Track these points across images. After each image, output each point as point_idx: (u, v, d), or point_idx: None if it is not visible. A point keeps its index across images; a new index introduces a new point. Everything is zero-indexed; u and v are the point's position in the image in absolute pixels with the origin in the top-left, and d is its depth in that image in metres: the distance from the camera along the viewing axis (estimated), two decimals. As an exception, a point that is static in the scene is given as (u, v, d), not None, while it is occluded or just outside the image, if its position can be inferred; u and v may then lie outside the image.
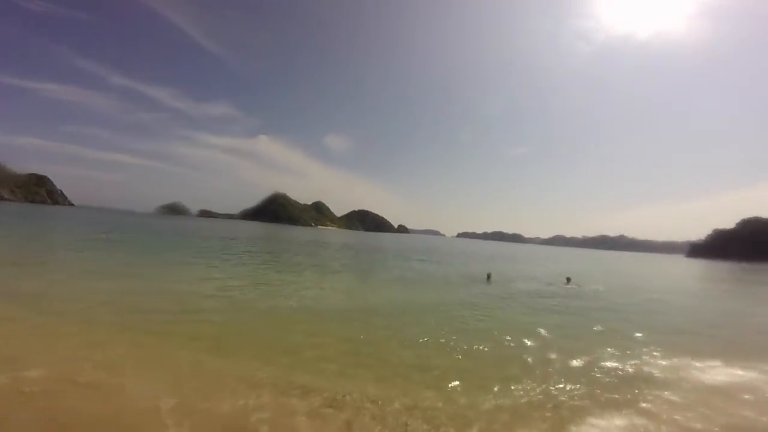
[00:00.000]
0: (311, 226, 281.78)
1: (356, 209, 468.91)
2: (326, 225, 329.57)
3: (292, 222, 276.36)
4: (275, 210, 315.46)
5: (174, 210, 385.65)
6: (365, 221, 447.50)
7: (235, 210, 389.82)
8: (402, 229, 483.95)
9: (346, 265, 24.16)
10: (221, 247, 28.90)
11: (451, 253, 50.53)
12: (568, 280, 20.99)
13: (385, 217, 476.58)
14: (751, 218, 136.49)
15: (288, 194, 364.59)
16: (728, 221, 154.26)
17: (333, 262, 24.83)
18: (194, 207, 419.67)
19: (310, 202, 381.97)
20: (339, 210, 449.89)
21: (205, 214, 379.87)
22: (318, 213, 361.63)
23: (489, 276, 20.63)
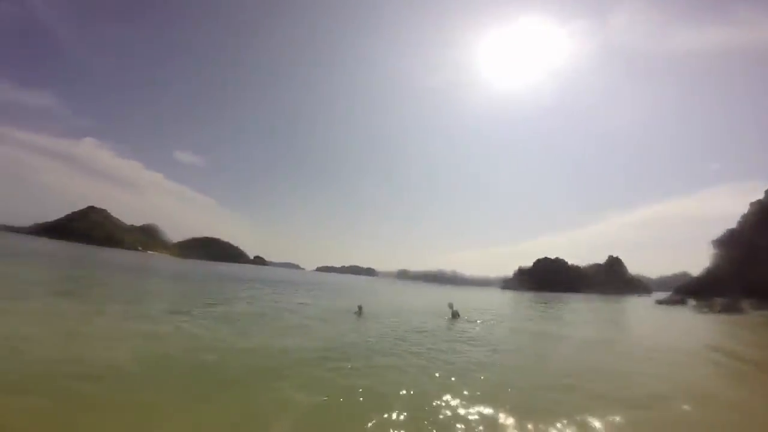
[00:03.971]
0: (137, 250, 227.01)
1: (200, 236, 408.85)
2: (158, 251, 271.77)
3: (109, 244, 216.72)
4: (87, 227, 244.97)
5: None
6: (211, 250, 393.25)
7: (26, 222, 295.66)
8: (259, 261, 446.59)
9: (160, 293, 15.65)
10: None
11: (313, 286, 44.83)
12: (451, 306, 18.42)
13: (241, 247, 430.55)
14: (541, 258, 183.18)
15: (112, 211, 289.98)
16: (528, 261, 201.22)
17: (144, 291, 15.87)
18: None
19: (140, 223, 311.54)
20: (181, 236, 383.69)
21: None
22: (148, 237, 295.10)
23: (360, 309, 17.09)
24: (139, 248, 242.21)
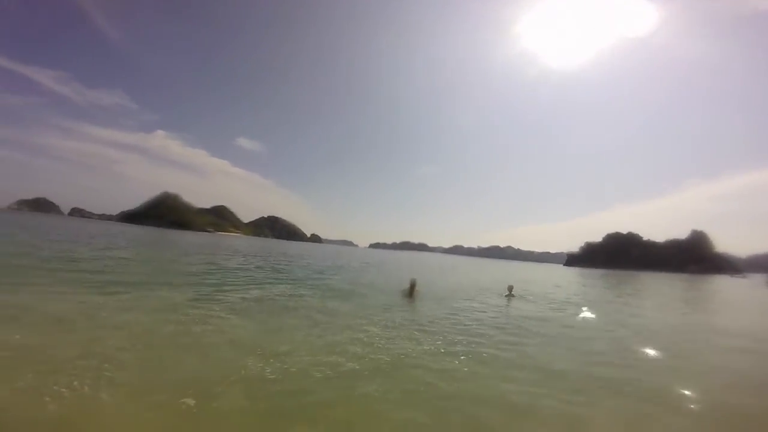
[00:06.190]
0: (208, 231, 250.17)
1: (266, 216, 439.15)
2: (229, 231, 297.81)
3: (182, 227, 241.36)
4: (163, 213, 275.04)
5: (38, 206, 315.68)
6: (275, 229, 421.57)
7: (114, 210, 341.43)
8: (315, 239, 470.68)
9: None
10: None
11: (372, 262, 45.26)
12: (510, 289, 16.99)
13: (298, 225, 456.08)
14: (612, 233, 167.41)
15: (183, 196, 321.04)
16: (596, 236, 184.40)
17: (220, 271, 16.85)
18: (65, 205, 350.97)
19: (209, 206, 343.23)
20: (248, 216, 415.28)
21: (78, 212, 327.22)
22: (218, 218, 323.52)
23: (413, 286, 13.98)
24: (209, 229, 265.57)
